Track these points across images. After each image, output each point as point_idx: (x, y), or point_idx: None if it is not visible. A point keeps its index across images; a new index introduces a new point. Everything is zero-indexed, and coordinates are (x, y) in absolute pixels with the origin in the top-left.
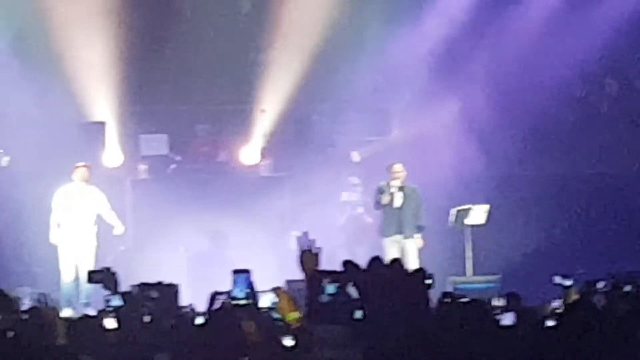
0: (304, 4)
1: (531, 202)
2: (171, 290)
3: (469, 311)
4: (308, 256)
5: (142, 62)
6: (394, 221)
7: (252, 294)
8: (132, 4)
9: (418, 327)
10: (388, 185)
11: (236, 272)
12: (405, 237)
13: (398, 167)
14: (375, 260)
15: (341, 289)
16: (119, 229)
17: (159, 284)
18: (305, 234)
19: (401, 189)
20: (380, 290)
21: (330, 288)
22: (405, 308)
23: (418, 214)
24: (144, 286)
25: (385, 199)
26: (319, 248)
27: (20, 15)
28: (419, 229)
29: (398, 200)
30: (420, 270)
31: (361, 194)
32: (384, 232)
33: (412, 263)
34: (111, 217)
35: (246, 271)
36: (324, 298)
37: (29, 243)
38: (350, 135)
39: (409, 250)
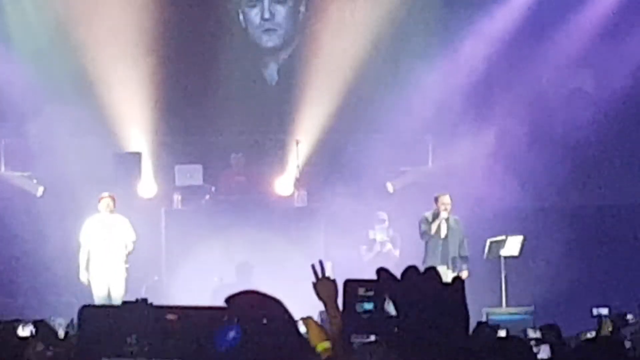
0: (340, 33)
1: (565, 234)
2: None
3: (508, 344)
4: (323, 284)
5: (177, 93)
6: (438, 252)
7: None
8: (166, 36)
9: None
10: (433, 215)
11: None
12: (449, 269)
13: (448, 198)
14: (410, 268)
15: (378, 305)
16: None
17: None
18: (320, 262)
19: (447, 220)
20: (414, 301)
21: (367, 305)
22: (441, 321)
23: (462, 244)
24: None
25: (433, 230)
26: (334, 279)
27: (60, 49)
28: (464, 259)
29: (444, 231)
30: (457, 279)
31: (387, 230)
32: (427, 261)
33: None
34: (127, 253)
35: None
36: (360, 308)
37: (63, 273)
38: (386, 165)
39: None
